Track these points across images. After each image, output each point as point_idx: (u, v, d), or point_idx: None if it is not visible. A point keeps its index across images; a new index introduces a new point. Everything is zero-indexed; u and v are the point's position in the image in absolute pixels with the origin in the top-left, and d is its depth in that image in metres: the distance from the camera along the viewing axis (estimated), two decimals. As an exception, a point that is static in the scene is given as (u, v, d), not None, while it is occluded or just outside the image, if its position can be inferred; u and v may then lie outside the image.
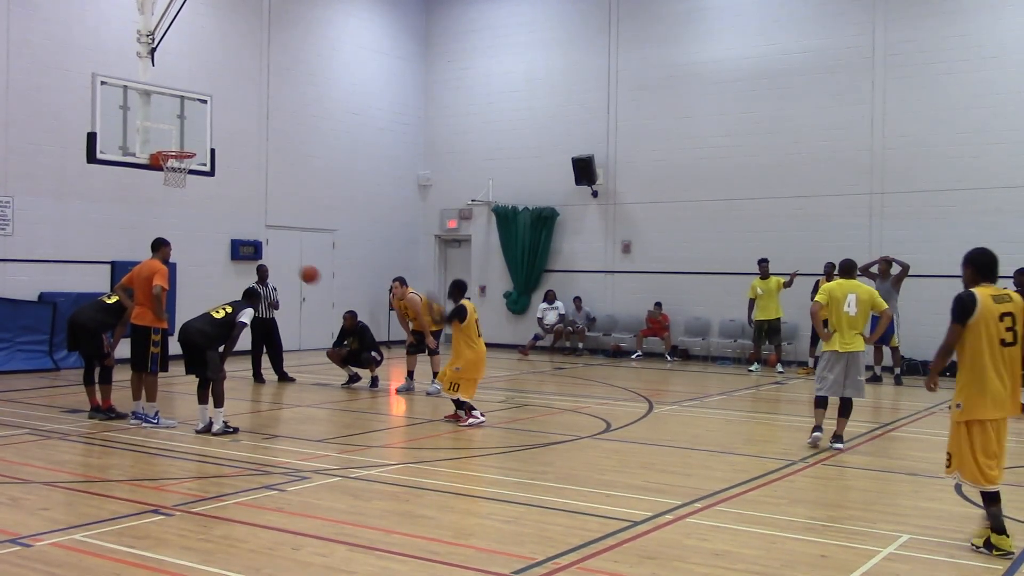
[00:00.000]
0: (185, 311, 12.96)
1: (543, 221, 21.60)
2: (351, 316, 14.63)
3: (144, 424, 10.50)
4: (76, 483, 7.85)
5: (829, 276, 16.51)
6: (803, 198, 18.69)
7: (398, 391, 13.85)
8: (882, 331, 10.14)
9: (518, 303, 22.06)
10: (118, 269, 15.93)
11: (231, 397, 11.06)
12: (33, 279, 15.77)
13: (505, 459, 9.29)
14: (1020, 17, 17.02)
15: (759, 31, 19.41)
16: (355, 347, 14.46)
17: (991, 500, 6.09)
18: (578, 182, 20.88)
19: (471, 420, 10.87)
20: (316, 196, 20.77)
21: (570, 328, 20.82)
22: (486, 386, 12.12)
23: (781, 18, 19.20)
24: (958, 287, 6.43)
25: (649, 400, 13.42)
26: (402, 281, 14.06)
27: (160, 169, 12.99)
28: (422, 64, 23.53)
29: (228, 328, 10.16)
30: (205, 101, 13.74)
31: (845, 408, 9.84)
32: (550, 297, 21.18)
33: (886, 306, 9.92)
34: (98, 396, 11.04)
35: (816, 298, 9.88)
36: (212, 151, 13.75)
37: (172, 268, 12.04)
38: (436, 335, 13.75)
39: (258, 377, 14.97)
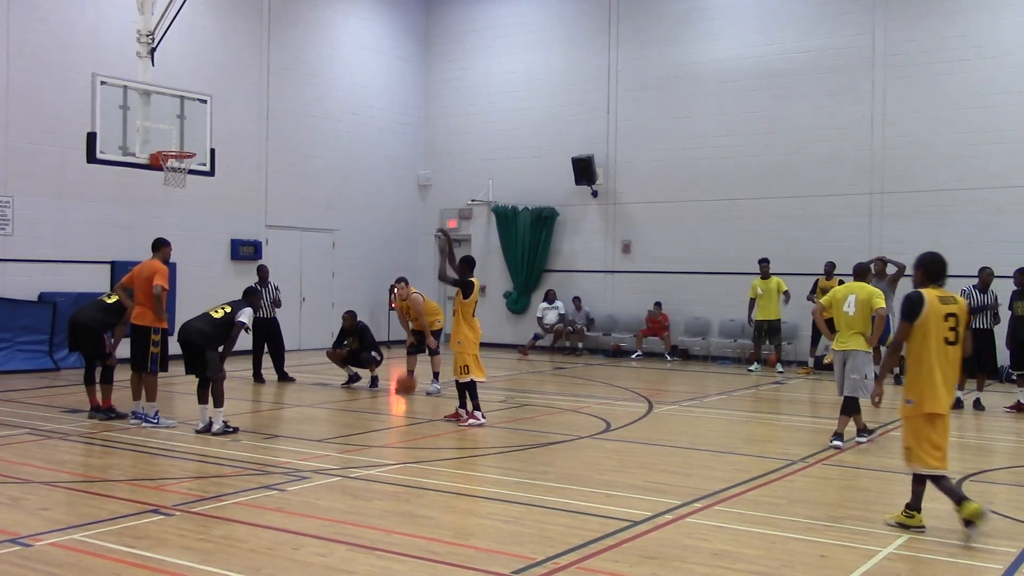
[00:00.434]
0: (185, 311, 12.95)
1: (543, 221, 21.60)
2: (351, 316, 14.64)
3: (144, 424, 10.50)
4: (76, 483, 7.85)
5: (829, 275, 16.58)
6: (803, 198, 18.69)
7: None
8: (879, 332, 10.18)
9: (518, 303, 22.07)
10: (118, 269, 15.94)
11: (231, 397, 11.07)
12: (33, 279, 15.78)
13: (505, 459, 9.29)
14: (1020, 17, 17.01)
15: (759, 31, 19.41)
16: (355, 347, 14.46)
17: (936, 481, 6.60)
18: (578, 182, 20.88)
19: (472, 420, 10.88)
20: (316, 196, 20.77)
21: (570, 328, 20.82)
22: (486, 386, 12.10)
23: (781, 18, 19.20)
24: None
25: (649, 400, 13.42)
26: (405, 281, 14.13)
27: (160, 169, 13.00)
28: (422, 64, 23.53)
29: (227, 328, 10.16)
30: (205, 101, 13.74)
31: (846, 407, 9.89)
32: (550, 297, 21.18)
33: (882, 305, 9.98)
34: (98, 396, 11.04)
35: (820, 300, 10.17)
36: (212, 151, 13.76)
37: (172, 268, 12.04)
38: (436, 335, 13.75)
39: (258, 377, 14.97)
